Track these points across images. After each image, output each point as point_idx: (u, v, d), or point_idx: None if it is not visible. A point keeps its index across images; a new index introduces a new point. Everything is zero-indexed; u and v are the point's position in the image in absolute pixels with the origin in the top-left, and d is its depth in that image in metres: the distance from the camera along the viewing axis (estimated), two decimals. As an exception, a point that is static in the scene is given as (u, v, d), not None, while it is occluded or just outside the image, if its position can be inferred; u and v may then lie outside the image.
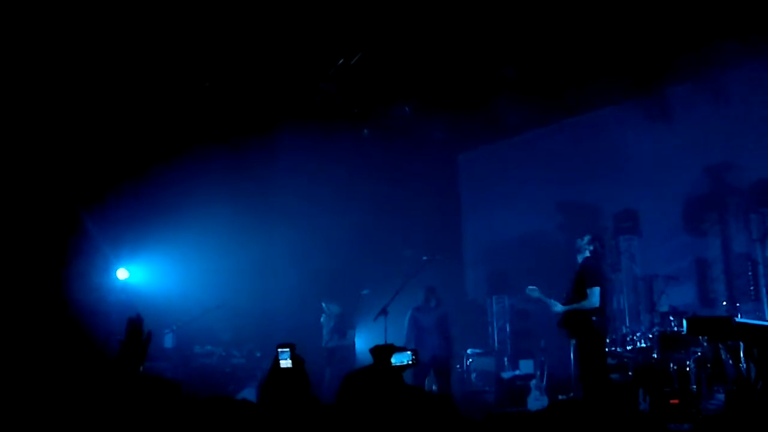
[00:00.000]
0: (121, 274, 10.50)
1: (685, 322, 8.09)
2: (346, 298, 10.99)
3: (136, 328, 3.08)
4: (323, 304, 10.76)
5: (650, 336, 9.43)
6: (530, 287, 8.46)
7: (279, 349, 3.04)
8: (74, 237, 9.43)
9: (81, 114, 9.37)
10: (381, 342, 6.82)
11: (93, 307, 9.45)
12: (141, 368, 3.26)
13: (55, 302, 8.90)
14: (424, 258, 9.54)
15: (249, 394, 9.90)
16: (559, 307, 8.13)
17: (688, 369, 8.52)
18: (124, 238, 10.21)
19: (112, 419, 2.76)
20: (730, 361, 7.86)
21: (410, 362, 2.85)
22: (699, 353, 8.52)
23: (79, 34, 8.52)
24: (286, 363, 2.96)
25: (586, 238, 8.26)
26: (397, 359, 2.84)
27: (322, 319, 10.81)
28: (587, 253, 8.20)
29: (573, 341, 8.62)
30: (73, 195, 9.44)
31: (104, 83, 9.34)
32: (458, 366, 11.83)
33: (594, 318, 7.82)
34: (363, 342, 10.91)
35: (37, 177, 9.02)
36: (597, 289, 7.89)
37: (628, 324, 10.75)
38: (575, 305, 7.93)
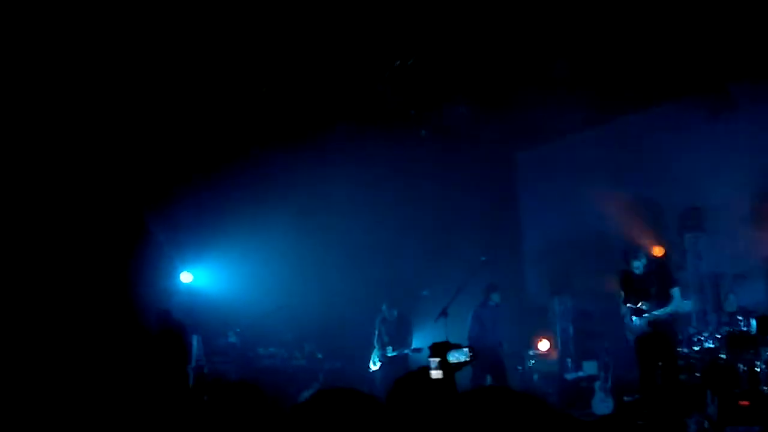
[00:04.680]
0: (185, 277, 10.71)
1: (754, 321, 7.92)
2: (405, 300, 11.01)
3: (164, 322, 3.09)
4: (384, 307, 10.75)
5: (718, 336, 9.22)
6: None
7: (430, 359, 2.83)
8: (139, 241, 9.67)
9: (147, 120, 9.60)
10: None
11: (158, 310, 9.66)
12: (189, 366, 3.28)
13: (121, 305, 9.13)
14: (483, 258, 9.53)
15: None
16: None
17: (758, 370, 8.28)
18: (187, 242, 10.42)
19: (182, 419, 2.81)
20: (802, 362, 7.65)
21: (467, 359, 2.81)
22: (770, 353, 8.29)
23: (140, 41, 8.72)
24: (437, 374, 2.79)
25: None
26: (453, 356, 2.80)
27: (377, 321, 10.80)
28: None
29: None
30: (138, 200, 9.67)
31: (169, 90, 9.56)
32: (519, 367, 11.75)
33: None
34: (423, 344, 10.91)
35: (104, 182, 9.27)
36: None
37: (694, 324, 10.49)
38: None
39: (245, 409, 2.83)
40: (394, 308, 10.68)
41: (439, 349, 2.77)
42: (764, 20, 8.95)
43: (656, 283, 8.18)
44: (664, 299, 8.16)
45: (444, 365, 2.73)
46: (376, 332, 10.70)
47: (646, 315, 8.11)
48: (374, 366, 10.57)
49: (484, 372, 9.80)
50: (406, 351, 10.39)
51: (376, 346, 10.62)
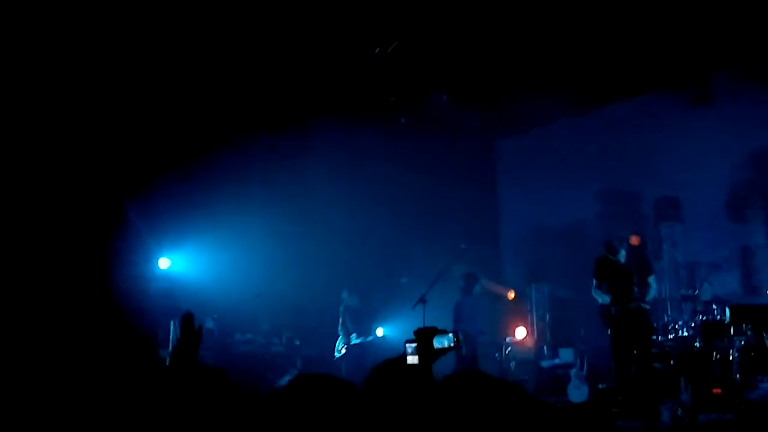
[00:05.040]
0: (163, 263, 10.64)
1: (728, 310, 8.02)
2: (384, 288, 11.02)
3: (189, 326, 3.09)
4: (344, 295, 10.73)
5: (692, 325, 9.33)
6: None
7: (407, 344, 2.81)
8: (117, 226, 9.58)
9: (124, 105, 9.51)
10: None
11: (135, 295, 9.60)
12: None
13: (98, 291, 9.06)
14: (462, 246, 9.56)
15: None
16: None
17: (731, 358, 8.40)
18: (166, 228, 10.34)
19: (159, 406, 2.79)
20: (774, 350, 7.77)
21: (452, 345, 2.80)
22: (742, 342, 8.39)
23: (118, 26, 8.63)
24: (413, 359, 2.76)
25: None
26: (438, 342, 2.79)
27: (340, 308, 10.79)
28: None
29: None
30: (115, 185, 9.58)
31: (146, 75, 9.46)
32: (497, 354, 11.83)
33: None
34: (402, 331, 10.93)
35: (81, 167, 9.17)
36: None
37: (669, 312, 10.61)
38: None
39: (209, 395, 2.80)
40: (355, 295, 10.69)
41: (425, 334, 2.77)
42: (743, 13, 9.03)
43: (636, 271, 8.26)
44: (644, 287, 8.25)
45: (428, 350, 2.73)
46: (340, 320, 10.72)
47: (632, 304, 8.19)
48: (339, 354, 10.59)
49: (463, 362, 9.84)
50: (370, 338, 10.41)
51: (340, 334, 10.64)
